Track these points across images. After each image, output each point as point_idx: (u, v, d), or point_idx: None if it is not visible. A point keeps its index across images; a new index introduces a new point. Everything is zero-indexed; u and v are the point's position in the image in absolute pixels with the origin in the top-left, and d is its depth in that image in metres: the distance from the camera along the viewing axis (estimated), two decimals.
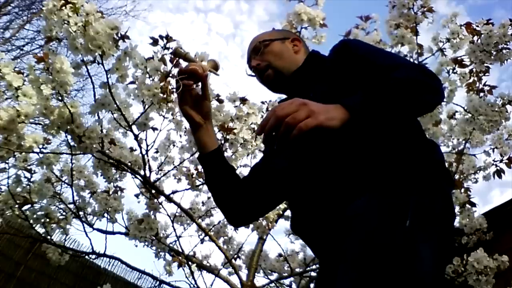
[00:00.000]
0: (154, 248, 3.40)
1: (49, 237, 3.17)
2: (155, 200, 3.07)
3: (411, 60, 3.22)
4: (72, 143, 2.39)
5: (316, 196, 1.06)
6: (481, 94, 3.07)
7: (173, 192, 3.10)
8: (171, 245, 3.44)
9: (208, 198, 3.71)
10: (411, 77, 1.02)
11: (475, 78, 3.09)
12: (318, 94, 1.13)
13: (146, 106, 2.59)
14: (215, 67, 1.27)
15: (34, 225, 3.05)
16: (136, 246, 3.20)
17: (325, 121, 0.89)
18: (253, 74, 1.34)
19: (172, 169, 3.33)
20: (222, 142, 2.88)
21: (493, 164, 3.44)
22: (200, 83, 1.22)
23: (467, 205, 3.33)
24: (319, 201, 1.05)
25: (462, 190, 3.37)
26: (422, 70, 1.08)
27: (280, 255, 3.97)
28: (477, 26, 2.88)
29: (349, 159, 1.02)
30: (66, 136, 2.40)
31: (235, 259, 3.76)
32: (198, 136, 1.24)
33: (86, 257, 4.52)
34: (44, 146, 2.58)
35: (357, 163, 1.01)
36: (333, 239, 1.01)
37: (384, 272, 0.84)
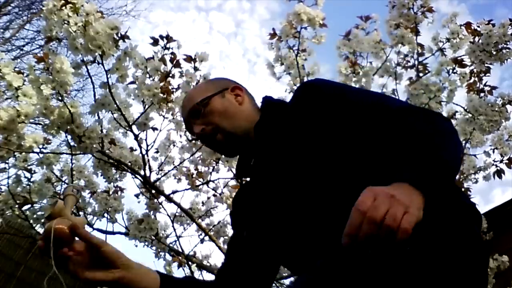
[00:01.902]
0: (154, 248, 3.40)
1: None
2: (155, 200, 3.07)
3: (412, 60, 3.22)
4: (72, 143, 2.39)
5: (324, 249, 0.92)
6: (482, 94, 3.07)
7: (173, 192, 3.11)
8: (171, 245, 3.44)
9: (208, 198, 3.71)
10: (442, 127, 0.90)
11: (476, 79, 3.09)
12: (298, 147, 0.99)
13: (146, 106, 2.59)
14: (73, 203, 0.96)
15: (34, 225, 3.05)
16: (136, 246, 3.20)
17: (419, 214, 0.72)
18: (195, 138, 1.18)
19: (172, 169, 3.33)
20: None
21: (493, 165, 3.44)
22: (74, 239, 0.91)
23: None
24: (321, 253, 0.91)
25: (462, 190, 3.37)
26: (432, 113, 0.97)
27: None
28: (478, 26, 2.88)
29: None
30: (66, 136, 2.40)
31: None
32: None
33: None
34: (44, 146, 2.58)
35: None
36: None
37: None
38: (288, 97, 3.16)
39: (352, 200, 0.83)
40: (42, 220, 3.00)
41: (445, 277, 0.80)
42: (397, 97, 3.11)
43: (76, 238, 0.90)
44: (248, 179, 1.24)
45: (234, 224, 1.22)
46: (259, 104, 1.20)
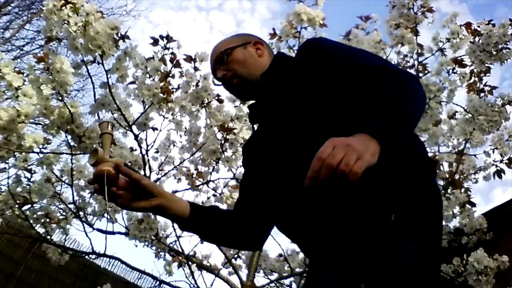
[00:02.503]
0: (154, 248, 3.40)
1: (49, 237, 3.17)
2: None
3: (412, 60, 3.22)
4: (72, 143, 2.39)
5: (303, 193, 1.03)
6: (482, 94, 3.08)
7: (173, 192, 3.10)
8: (171, 245, 3.44)
9: (208, 198, 3.71)
10: (408, 86, 1.01)
11: (476, 79, 3.10)
12: (292, 99, 1.13)
13: (146, 106, 2.59)
14: (110, 141, 1.13)
15: (34, 225, 3.05)
16: (136, 246, 3.20)
17: (371, 159, 0.85)
18: (220, 83, 1.32)
19: (172, 169, 3.33)
20: (222, 142, 2.88)
21: (493, 165, 3.44)
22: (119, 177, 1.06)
23: (467, 205, 3.33)
24: (306, 198, 1.04)
25: (462, 190, 3.37)
26: (406, 74, 1.08)
27: (280, 255, 3.97)
28: (478, 26, 2.88)
29: None
30: (66, 136, 2.40)
31: (235, 259, 3.76)
32: (166, 215, 1.16)
33: (86, 257, 4.51)
34: (44, 146, 2.58)
35: None
36: (318, 238, 1.01)
37: (366, 262, 0.84)
38: None
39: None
40: (42, 220, 3.00)
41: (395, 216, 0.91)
42: None
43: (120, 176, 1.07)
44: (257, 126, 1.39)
45: (244, 162, 1.38)
46: None
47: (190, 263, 3.39)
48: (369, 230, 0.88)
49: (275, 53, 1.36)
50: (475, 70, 3.07)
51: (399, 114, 0.92)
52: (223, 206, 3.40)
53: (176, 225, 3.40)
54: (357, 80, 1.05)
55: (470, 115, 3.01)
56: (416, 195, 0.96)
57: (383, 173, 0.93)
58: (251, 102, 1.36)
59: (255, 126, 1.41)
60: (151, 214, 3.07)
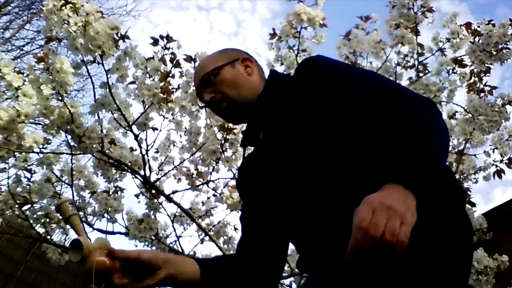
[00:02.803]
0: (154, 248, 3.40)
1: (49, 237, 3.17)
2: (155, 200, 3.07)
3: (412, 60, 3.22)
4: (72, 143, 2.39)
5: (318, 225, 0.96)
6: (482, 94, 3.07)
7: (173, 192, 3.10)
8: (171, 245, 3.44)
9: (208, 198, 3.71)
10: (432, 119, 0.92)
11: (476, 79, 3.09)
12: (289, 130, 1.03)
13: (146, 106, 2.59)
14: (78, 220, 0.97)
15: (34, 225, 3.05)
16: (136, 246, 3.20)
17: (413, 220, 0.76)
18: (205, 105, 1.23)
19: (172, 169, 3.33)
20: (222, 142, 2.88)
21: (493, 165, 3.44)
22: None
23: (467, 205, 3.33)
24: (321, 231, 0.95)
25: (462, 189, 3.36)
26: (424, 103, 0.97)
27: None
28: (478, 26, 2.88)
29: (352, 182, 0.92)
30: (66, 136, 2.40)
31: None
32: (179, 282, 1.01)
33: None
34: (44, 146, 2.58)
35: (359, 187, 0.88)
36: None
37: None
38: None
39: (342, 184, 0.92)
40: (42, 220, 3.00)
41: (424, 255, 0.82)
42: None
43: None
44: (252, 149, 1.28)
45: (241, 194, 1.27)
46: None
47: None
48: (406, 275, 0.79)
49: (263, 68, 1.26)
50: (475, 70, 3.07)
51: (431, 157, 0.83)
52: (223, 206, 3.40)
53: (176, 225, 3.42)
54: (367, 106, 0.96)
55: (470, 115, 3.01)
56: (451, 232, 0.87)
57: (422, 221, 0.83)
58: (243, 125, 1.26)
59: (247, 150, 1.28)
60: (151, 214, 3.07)
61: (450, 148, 3.63)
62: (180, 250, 3.36)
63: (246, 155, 1.26)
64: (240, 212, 1.26)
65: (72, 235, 4.60)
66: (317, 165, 0.97)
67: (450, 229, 0.87)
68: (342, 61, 3.18)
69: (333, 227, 0.91)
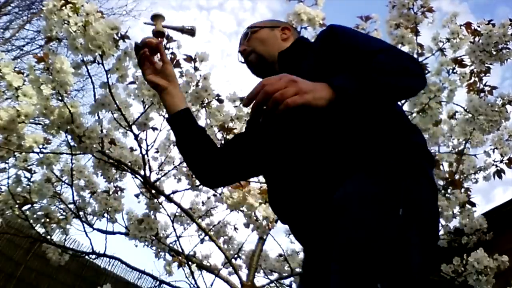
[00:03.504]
0: (154, 248, 3.40)
1: (49, 237, 3.17)
2: (155, 200, 3.07)
3: None
4: (72, 143, 2.39)
5: (298, 175, 1.05)
6: (482, 94, 3.08)
7: (173, 192, 3.11)
8: (171, 245, 3.44)
9: (208, 198, 3.71)
10: (394, 61, 1.03)
11: (476, 79, 3.09)
12: (302, 72, 1.12)
13: (146, 106, 2.59)
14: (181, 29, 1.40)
15: (34, 225, 3.05)
16: (136, 246, 3.20)
17: (313, 100, 0.90)
18: (242, 60, 1.37)
19: (172, 169, 3.33)
20: (222, 142, 2.88)
21: (493, 165, 3.44)
22: (158, 53, 1.29)
23: (467, 205, 3.33)
24: (301, 181, 1.04)
25: (462, 190, 3.37)
26: (403, 55, 1.10)
27: (280, 255, 3.96)
28: (478, 26, 2.88)
29: (333, 140, 1.01)
30: (66, 136, 2.40)
31: (235, 259, 3.76)
32: (164, 99, 1.29)
33: (86, 257, 4.52)
34: (44, 146, 2.58)
35: (341, 145, 1.00)
36: (319, 225, 0.99)
37: (379, 265, 0.82)
38: None
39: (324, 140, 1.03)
40: (42, 220, 3.00)
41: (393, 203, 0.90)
42: None
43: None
44: None
45: (248, 123, 1.43)
46: None
47: (190, 263, 3.39)
48: (379, 224, 0.86)
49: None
50: (475, 70, 3.07)
51: (370, 78, 0.94)
52: (223, 206, 3.40)
53: (176, 225, 3.42)
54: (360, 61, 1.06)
55: (470, 115, 3.01)
56: (418, 189, 0.95)
57: (387, 160, 0.96)
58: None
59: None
60: (151, 214, 3.07)
61: (450, 148, 3.63)
62: (180, 250, 3.37)
63: None
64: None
65: (72, 235, 4.61)
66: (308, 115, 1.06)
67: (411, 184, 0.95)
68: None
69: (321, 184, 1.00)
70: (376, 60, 1.01)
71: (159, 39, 1.33)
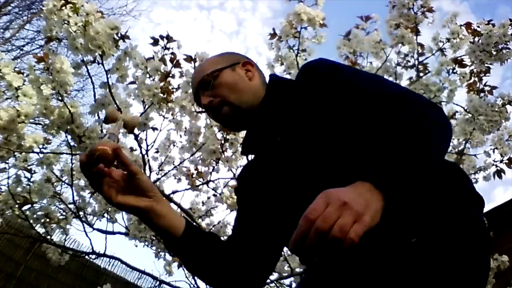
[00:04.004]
0: (154, 248, 3.40)
1: (49, 237, 3.17)
2: None
3: (412, 60, 3.22)
4: (72, 143, 2.39)
5: None
6: (482, 94, 3.08)
7: (173, 192, 3.11)
8: None
9: (208, 198, 3.71)
10: (428, 120, 0.87)
11: (476, 79, 3.09)
12: (288, 136, 1.01)
13: (146, 106, 2.59)
14: (131, 125, 0.99)
15: (34, 225, 3.05)
16: (136, 246, 3.21)
17: (372, 221, 0.71)
18: (203, 110, 1.17)
19: (172, 169, 3.33)
20: (222, 142, 2.88)
21: (493, 165, 3.44)
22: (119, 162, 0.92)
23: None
24: None
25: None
26: (426, 103, 0.93)
27: None
28: (478, 26, 2.88)
29: None
30: (66, 136, 2.40)
31: None
32: (154, 224, 0.96)
33: (86, 257, 4.52)
34: (44, 146, 2.58)
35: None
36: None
37: None
38: None
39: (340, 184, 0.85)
40: (42, 220, 3.00)
41: (446, 266, 0.80)
42: None
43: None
44: (252, 156, 1.25)
45: (240, 199, 1.21)
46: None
47: None
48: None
49: (264, 73, 1.20)
50: (475, 70, 3.07)
51: (414, 156, 0.78)
52: (223, 206, 3.40)
53: None
54: (371, 109, 0.93)
55: (470, 115, 3.01)
56: (473, 246, 0.84)
57: (432, 219, 0.82)
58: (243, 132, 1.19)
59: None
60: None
61: (450, 148, 3.63)
62: None
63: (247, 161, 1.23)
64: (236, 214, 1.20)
65: (72, 235, 4.60)
66: (327, 167, 0.93)
67: (470, 240, 0.84)
68: (342, 61, 3.18)
69: None
70: (405, 120, 0.85)
71: (116, 142, 0.93)
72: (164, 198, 1.01)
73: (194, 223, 3.21)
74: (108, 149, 0.88)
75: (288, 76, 3.19)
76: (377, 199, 0.73)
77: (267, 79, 1.18)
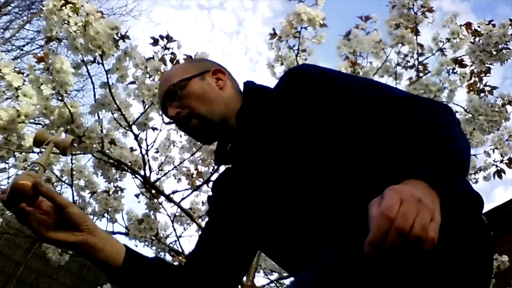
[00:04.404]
0: (154, 248, 3.40)
1: None
2: (155, 200, 3.07)
3: (412, 60, 3.22)
4: None
5: (315, 237, 0.88)
6: (482, 94, 3.08)
7: (173, 192, 3.11)
8: (171, 245, 3.44)
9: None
10: (449, 120, 0.87)
11: (476, 79, 3.09)
12: (273, 144, 0.94)
13: (146, 106, 2.59)
14: (63, 146, 0.95)
15: None
16: (136, 246, 3.20)
17: (439, 219, 0.67)
18: (171, 121, 1.07)
19: (172, 169, 3.33)
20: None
21: (493, 165, 3.44)
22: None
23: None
24: (321, 243, 0.86)
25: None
26: (441, 105, 0.93)
27: None
28: (478, 26, 2.88)
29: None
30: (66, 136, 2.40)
31: None
32: (91, 257, 0.91)
33: None
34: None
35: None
36: None
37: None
38: None
39: (341, 195, 0.83)
40: None
41: (449, 264, 0.77)
42: None
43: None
44: (227, 166, 1.18)
45: (211, 210, 1.14)
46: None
47: None
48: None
49: (236, 81, 1.12)
50: (475, 70, 3.07)
51: (451, 153, 0.77)
52: None
53: (176, 225, 3.42)
54: (376, 115, 0.90)
55: (470, 115, 3.01)
56: (475, 244, 0.82)
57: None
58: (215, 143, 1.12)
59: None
60: (151, 214, 3.07)
61: None
62: (180, 250, 3.36)
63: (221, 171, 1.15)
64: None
65: None
66: (319, 173, 0.88)
67: (471, 238, 0.82)
68: (342, 61, 3.18)
69: (338, 237, 0.81)
70: (428, 120, 0.84)
71: (41, 172, 0.88)
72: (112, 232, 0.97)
73: (195, 222, 3.22)
74: (28, 183, 0.83)
75: None
76: (436, 197, 0.70)
77: (242, 88, 1.10)
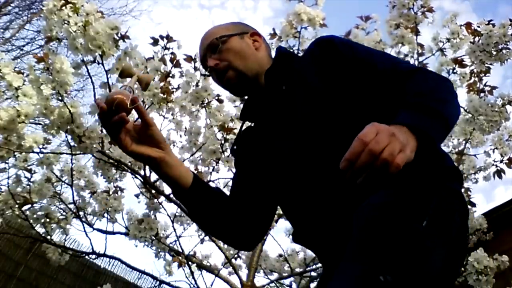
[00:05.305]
0: (154, 248, 3.40)
1: (49, 237, 3.17)
2: (155, 200, 3.07)
3: (412, 60, 3.22)
4: (72, 143, 2.39)
5: (322, 195, 0.98)
6: (482, 94, 3.08)
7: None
8: (171, 245, 3.44)
9: None
10: (445, 86, 0.97)
11: (476, 79, 3.10)
12: (310, 89, 1.05)
13: (146, 106, 2.59)
14: (146, 81, 1.00)
15: (34, 225, 3.05)
16: (136, 246, 3.20)
17: (411, 155, 0.79)
18: (208, 73, 1.19)
19: None
20: (222, 142, 2.88)
21: (493, 165, 3.44)
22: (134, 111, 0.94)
23: (467, 205, 3.33)
24: (326, 201, 0.97)
25: (462, 190, 3.37)
26: (440, 76, 1.03)
27: (280, 255, 3.97)
28: (478, 26, 2.88)
29: None
30: (66, 136, 2.40)
31: (235, 259, 3.76)
32: (165, 173, 1.02)
33: (86, 257, 4.52)
34: (44, 146, 2.58)
35: None
36: (342, 239, 0.93)
37: (391, 258, 0.78)
38: None
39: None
40: (42, 220, 3.00)
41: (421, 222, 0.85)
42: None
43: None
44: (250, 124, 1.28)
45: (236, 162, 1.27)
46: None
47: (190, 263, 3.39)
48: (398, 228, 0.82)
49: (270, 47, 1.24)
50: (475, 70, 3.07)
51: (438, 112, 0.87)
52: None
53: (176, 225, 3.42)
54: (387, 83, 1.00)
55: (470, 115, 3.01)
56: (450, 210, 0.91)
57: (419, 180, 0.90)
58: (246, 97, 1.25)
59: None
60: (151, 214, 3.07)
61: (450, 148, 3.64)
62: (180, 250, 3.37)
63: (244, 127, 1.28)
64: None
65: (72, 235, 4.60)
66: (332, 130, 0.98)
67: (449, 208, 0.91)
68: None
69: (351, 194, 0.92)
70: (424, 82, 0.95)
71: (133, 93, 0.93)
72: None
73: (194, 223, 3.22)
74: (125, 98, 0.89)
75: None
76: (413, 140, 0.81)
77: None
